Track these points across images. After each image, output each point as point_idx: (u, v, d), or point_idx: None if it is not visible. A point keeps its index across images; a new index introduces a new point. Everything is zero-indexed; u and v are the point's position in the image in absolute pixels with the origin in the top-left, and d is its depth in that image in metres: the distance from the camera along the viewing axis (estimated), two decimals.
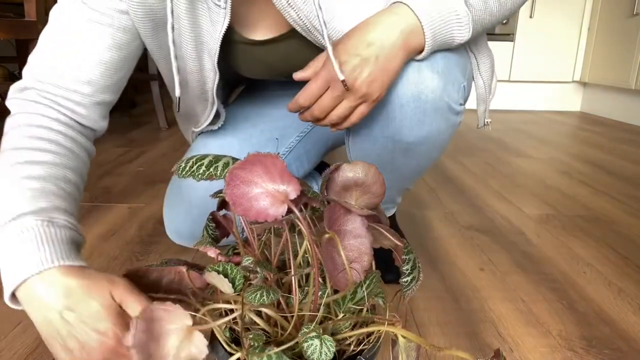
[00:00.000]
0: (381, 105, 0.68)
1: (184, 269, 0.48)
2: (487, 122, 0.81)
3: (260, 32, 0.72)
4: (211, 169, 0.45)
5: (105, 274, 0.49)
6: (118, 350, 0.44)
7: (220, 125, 0.87)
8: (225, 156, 0.46)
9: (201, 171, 0.45)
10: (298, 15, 0.64)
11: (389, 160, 0.76)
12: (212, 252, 0.51)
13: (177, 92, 0.65)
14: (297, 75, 0.66)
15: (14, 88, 0.64)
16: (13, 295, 0.48)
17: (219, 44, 0.67)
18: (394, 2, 0.61)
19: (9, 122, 0.61)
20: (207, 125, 0.85)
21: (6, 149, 0.57)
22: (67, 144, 0.61)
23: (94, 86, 0.65)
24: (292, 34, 0.70)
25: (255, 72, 0.81)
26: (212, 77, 0.72)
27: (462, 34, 0.63)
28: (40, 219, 0.50)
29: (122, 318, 0.46)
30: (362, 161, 0.47)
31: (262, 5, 0.69)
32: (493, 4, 0.64)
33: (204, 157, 0.46)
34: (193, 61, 0.71)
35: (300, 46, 0.73)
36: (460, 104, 0.71)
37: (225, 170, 0.44)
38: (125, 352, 0.43)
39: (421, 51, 0.63)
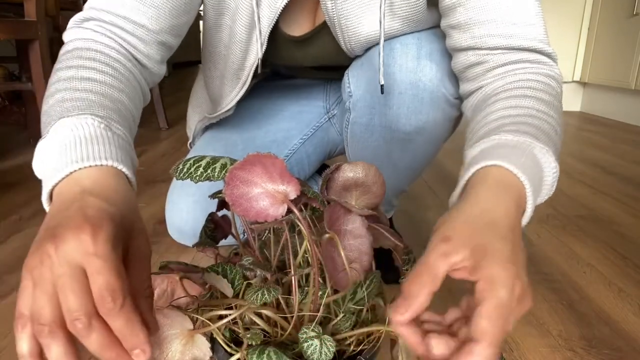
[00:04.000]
0: (380, 92, 0.70)
1: (177, 277, 0.48)
2: None
3: (294, 28, 0.74)
4: (209, 171, 0.45)
5: (139, 228, 0.38)
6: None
7: (231, 112, 0.87)
8: (223, 157, 0.46)
9: (199, 173, 0.45)
10: (333, 5, 0.66)
11: (386, 153, 0.76)
12: (210, 253, 0.51)
13: (261, 52, 0.68)
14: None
15: (73, 20, 0.59)
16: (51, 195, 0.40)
17: (277, 16, 0.67)
18: (494, 164, 0.42)
19: (63, 49, 0.57)
20: (224, 112, 0.84)
21: (61, 68, 0.52)
22: (125, 72, 0.56)
23: (160, 24, 0.61)
24: (319, 31, 0.73)
25: (279, 58, 0.81)
26: (255, 51, 0.70)
27: (545, 196, 0.50)
28: (99, 121, 0.44)
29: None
30: (362, 161, 0.47)
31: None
32: (558, 129, 0.51)
33: (201, 158, 0.46)
34: (245, 29, 0.70)
35: (325, 45, 0.75)
36: (456, 98, 0.71)
37: (223, 172, 0.44)
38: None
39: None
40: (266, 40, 0.70)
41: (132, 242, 0.37)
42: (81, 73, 0.51)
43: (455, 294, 0.84)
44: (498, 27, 0.57)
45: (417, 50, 0.67)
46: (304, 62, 0.83)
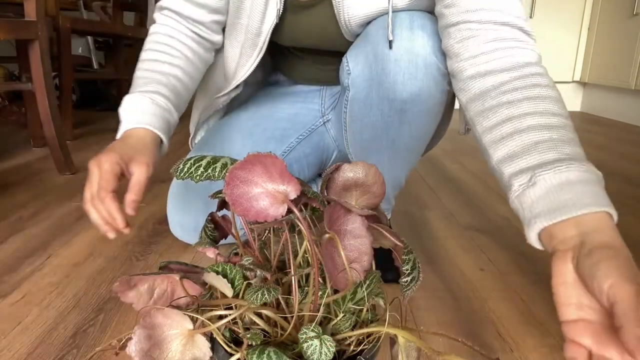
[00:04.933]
0: (378, 62, 0.75)
1: (177, 277, 0.48)
2: (467, 129, 0.84)
3: None
4: (209, 170, 0.45)
5: (144, 157, 0.70)
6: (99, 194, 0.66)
7: (240, 91, 0.96)
8: (223, 157, 0.46)
9: (199, 172, 0.45)
10: None
11: (384, 128, 0.79)
12: (211, 253, 0.51)
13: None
14: None
15: (157, 6, 0.90)
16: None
17: None
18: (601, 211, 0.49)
19: (151, 29, 0.90)
20: (234, 88, 0.94)
21: (144, 50, 0.87)
22: (187, 52, 0.88)
23: (207, 9, 0.88)
24: (322, 1, 0.80)
25: (285, 32, 0.88)
26: (274, 11, 0.81)
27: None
28: (150, 98, 0.78)
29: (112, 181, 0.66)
30: (362, 161, 0.47)
31: None
32: (563, 113, 0.57)
33: (202, 157, 0.46)
34: None
35: (325, 18, 0.81)
36: (447, 68, 0.73)
37: (224, 171, 0.44)
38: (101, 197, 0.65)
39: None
40: (280, 2, 0.80)
41: (134, 168, 0.69)
42: (150, 55, 0.86)
43: (456, 293, 0.85)
44: (489, 2, 0.63)
45: (410, 22, 0.73)
46: (303, 36, 0.88)
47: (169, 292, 0.49)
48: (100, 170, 0.65)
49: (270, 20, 0.82)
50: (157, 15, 0.90)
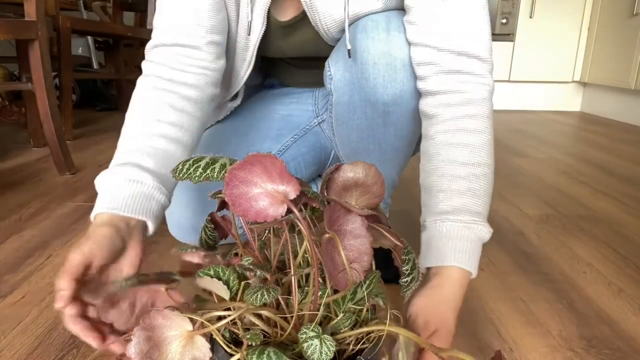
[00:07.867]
0: (357, 66, 0.75)
1: (162, 288, 0.48)
2: None
3: (282, 13, 0.82)
4: (208, 171, 0.45)
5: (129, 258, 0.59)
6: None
7: (239, 103, 0.96)
8: (222, 157, 0.46)
9: (198, 173, 0.45)
10: None
11: (369, 130, 0.80)
12: (196, 258, 0.50)
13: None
14: None
15: (148, 46, 0.75)
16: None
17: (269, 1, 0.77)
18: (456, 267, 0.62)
19: (140, 83, 0.73)
20: (230, 99, 0.94)
21: (129, 111, 0.72)
22: (184, 105, 0.73)
23: (203, 28, 0.75)
24: (302, 18, 0.81)
25: (271, 50, 0.88)
26: (258, 27, 0.80)
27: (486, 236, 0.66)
28: (129, 179, 0.64)
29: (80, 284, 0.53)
30: (362, 161, 0.47)
31: None
32: (488, 186, 0.70)
33: (200, 158, 0.46)
34: (246, 6, 0.79)
35: (308, 35, 0.82)
36: None
37: (222, 172, 0.44)
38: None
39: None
40: (262, 18, 0.79)
41: (120, 259, 0.58)
42: (153, 115, 0.70)
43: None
44: (451, 26, 0.65)
45: (387, 24, 0.72)
46: (289, 50, 0.88)
47: (150, 305, 0.49)
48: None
49: (255, 37, 0.82)
50: (146, 65, 0.75)
